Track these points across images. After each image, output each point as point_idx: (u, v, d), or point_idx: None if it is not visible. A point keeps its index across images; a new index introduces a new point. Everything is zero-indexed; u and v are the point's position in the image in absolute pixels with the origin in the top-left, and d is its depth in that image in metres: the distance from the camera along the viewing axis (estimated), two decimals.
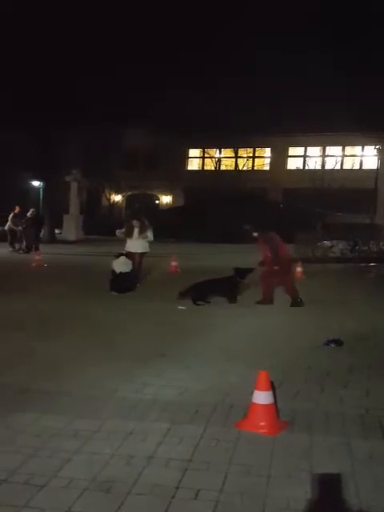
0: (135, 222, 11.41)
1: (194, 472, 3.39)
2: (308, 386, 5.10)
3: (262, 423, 3.98)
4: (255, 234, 9.69)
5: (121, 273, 10.54)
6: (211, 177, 36.00)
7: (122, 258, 10.75)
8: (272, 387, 4.18)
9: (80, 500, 3.05)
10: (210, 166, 40.57)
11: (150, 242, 11.56)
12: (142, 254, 11.42)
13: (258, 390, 4.03)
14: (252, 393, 4.08)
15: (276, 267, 9.32)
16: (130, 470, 3.41)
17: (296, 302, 9.38)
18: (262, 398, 4.00)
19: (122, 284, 10.44)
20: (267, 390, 4.04)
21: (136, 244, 11.32)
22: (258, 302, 9.47)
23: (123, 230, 11.55)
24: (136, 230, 11.30)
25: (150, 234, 11.43)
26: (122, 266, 10.61)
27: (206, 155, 41.02)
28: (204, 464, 3.50)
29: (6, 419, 4.16)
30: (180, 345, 6.61)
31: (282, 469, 3.45)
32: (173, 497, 3.09)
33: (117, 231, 11.65)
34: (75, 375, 5.31)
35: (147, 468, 3.43)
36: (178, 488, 3.19)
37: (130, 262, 10.78)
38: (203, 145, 39.37)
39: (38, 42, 22.80)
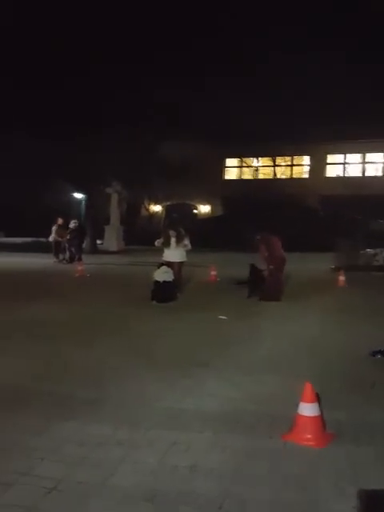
0: (172, 232, 11.53)
1: (239, 483, 3.35)
2: (353, 397, 4.99)
3: (309, 435, 3.91)
4: (258, 237, 11.15)
5: (164, 282, 10.61)
6: (249, 186, 35.88)
7: (164, 267, 10.82)
8: (318, 399, 4.11)
9: (126, 509, 3.05)
10: (247, 174, 40.47)
11: (188, 251, 11.61)
12: (181, 263, 11.48)
13: (304, 401, 3.97)
14: (296, 403, 4.02)
15: (271, 266, 10.76)
16: (174, 479, 3.40)
17: (269, 297, 10.63)
18: (308, 409, 3.94)
19: (163, 293, 10.49)
20: (313, 401, 3.97)
21: (174, 253, 11.40)
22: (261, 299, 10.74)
23: (161, 239, 11.66)
24: (173, 240, 11.41)
25: (187, 242, 11.51)
26: (163, 275, 10.68)
27: (243, 164, 40.95)
28: (249, 475, 3.45)
29: (50, 427, 4.21)
30: (221, 354, 6.58)
31: (330, 482, 3.38)
32: (219, 508, 3.06)
33: (156, 241, 11.76)
34: (116, 384, 5.34)
35: (192, 478, 3.42)
36: (224, 499, 3.15)
37: (171, 271, 10.83)
38: (241, 154, 39.31)
39: (76, 52, 23.30)
